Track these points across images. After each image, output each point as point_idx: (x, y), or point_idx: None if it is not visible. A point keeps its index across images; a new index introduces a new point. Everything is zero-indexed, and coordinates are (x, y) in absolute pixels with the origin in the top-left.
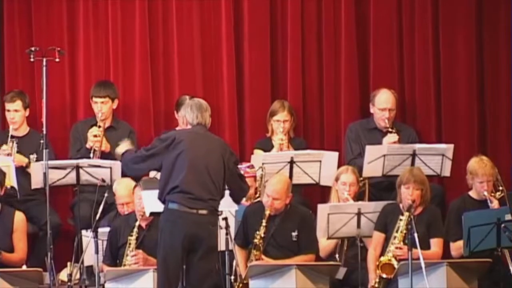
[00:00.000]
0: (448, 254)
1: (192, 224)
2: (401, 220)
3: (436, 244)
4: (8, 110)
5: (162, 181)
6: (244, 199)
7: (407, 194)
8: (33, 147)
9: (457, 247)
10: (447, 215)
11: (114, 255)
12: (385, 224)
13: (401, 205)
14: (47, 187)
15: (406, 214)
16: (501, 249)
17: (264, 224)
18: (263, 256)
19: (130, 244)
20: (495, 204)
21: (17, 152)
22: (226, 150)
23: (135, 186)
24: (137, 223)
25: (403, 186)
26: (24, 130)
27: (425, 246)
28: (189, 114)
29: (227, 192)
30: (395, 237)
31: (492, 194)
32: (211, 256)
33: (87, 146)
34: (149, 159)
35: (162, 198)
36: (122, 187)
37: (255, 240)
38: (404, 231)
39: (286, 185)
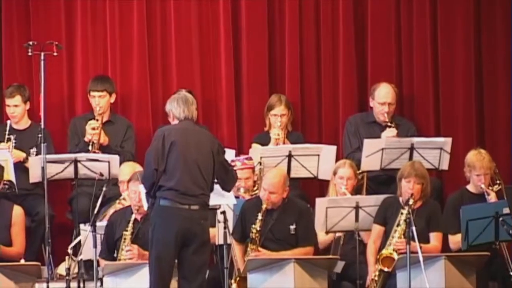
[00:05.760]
0: (447, 247)
1: (185, 219)
2: (402, 214)
3: (435, 238)
4: (8, 105)
5: (152, 177)
6: (242, 190)
7: (408, 188)
8: (33, 140)
9: (455, 240)
10: (445, 209)
11: (110, 249)
12: (384, 217)
13: (401, 199)
14: (45, 181)
15: (406, 208)
16: (499, 243)
17: (260, 217)
18: (260, 248)
19: (125, 239)
20: (492, 197)
21: (17, 145)
22: (215, 144)
23: (129, 180)
24: (132, 218)
25: (403, 180)
26: (25, 123)
27: (425, 240)
28: (176, 109)
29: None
30: (395, 231)
31: (490, 188)
32: (204, 250)
33: (86, 139)
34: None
35: (152, 193)
36: (127, 165)
37: (251, 234)
38: (404, 225)
39: (283, 179)
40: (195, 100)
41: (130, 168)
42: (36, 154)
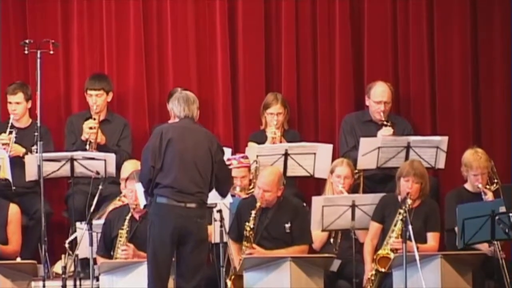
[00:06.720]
0: (444, 247)
1: (181, 217)
2: (400, 214)
3: (432, 237)
4: (10, 102)
5: (149, 174)
6: (238, 189)
7: (406, 186)
8: (34, 139)
9: None
10: (446, 206)
11: (108, 246)
12: (382, 215)
13: (399, 197)
14: (41, 180)
15: (404, 207)
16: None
17: (253, 215)
18: (254, 245)
19: (121, 237)
20: (489, 196)
21: (18, 143)
22: (214, 143)
23: (127, 179)
24: (128, 216)
25: (402, 179)
26: (26, 121)
27: (422, 239)
28: (176, 107)
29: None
30: (393, 231)
31: (487, 187)
32: (201, 248)
33: (83, 138)
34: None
35: (149, 191)
36: (130, 163)
37: (245, 232)
38: (401, 225)
39: (277, 177)
40: (197, 99)
41: (133, 166)
42: (37, 152)
